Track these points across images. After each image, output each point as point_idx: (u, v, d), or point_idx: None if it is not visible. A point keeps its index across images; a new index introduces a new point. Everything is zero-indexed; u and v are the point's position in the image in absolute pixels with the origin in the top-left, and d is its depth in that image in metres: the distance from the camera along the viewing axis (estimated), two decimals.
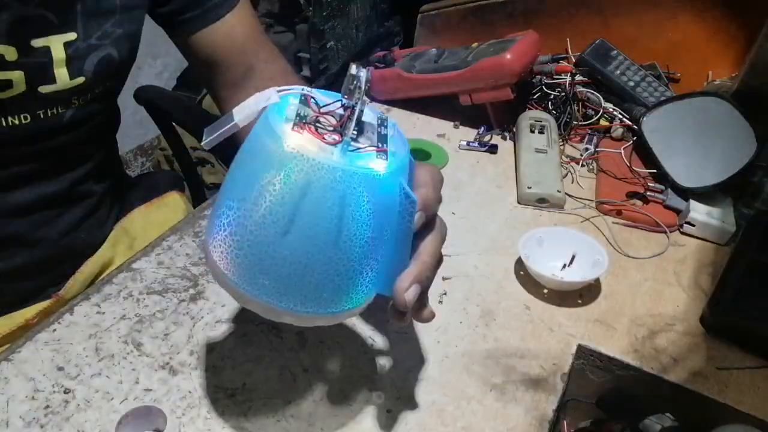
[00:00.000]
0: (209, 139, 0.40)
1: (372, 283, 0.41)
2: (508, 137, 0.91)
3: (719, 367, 0.57)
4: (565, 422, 0.57)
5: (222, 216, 0.38)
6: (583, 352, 0.59)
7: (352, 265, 0.38)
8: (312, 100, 0.41)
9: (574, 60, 0.95)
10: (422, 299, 0.42)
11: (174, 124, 1.10)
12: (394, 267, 0.40)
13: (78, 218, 0.70)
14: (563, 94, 0.91)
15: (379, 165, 0.38)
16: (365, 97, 0.40)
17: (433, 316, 0.43)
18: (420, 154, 0.70)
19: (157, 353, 0.54)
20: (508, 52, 0.84)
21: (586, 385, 0.59)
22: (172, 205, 0.83)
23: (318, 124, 0.39)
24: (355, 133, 0.40)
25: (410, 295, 0.40)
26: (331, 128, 0.39)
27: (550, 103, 0.92)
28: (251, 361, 0.54)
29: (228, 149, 0.45)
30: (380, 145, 0.40)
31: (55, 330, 0.55)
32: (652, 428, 0.54)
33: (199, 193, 1.15)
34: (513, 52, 0.85)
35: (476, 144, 0.88)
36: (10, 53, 0.54)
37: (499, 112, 0.92)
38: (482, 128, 0.92)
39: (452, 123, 0.93)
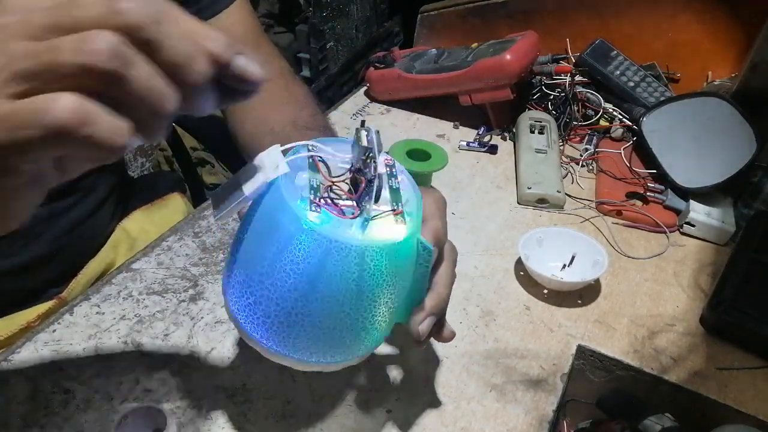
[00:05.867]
0: (221, 215, 0.38)
1: (392, 320, 0.42)
2: (507, 137, 0.91)
3: (719, 367, 0.57)
4: (565, 422, 0.57)
5: (244, 284, 0.39)
6: (583, 352, 0.59)
7: (374, 317, 0.40)
8: (319, 159, 0.40)
9: (573, 60, 0.95)
10: (439, 323, 0.43)
11: (174, 124, 1.10)
12: (412, 301, 0.42)
13: (81, 215, 0.70)
14: (563, 94, 0.91)
15: (397, 230, 0.38)
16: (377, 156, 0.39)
17: (453, 335, 0.45)
18: (420, 154, 0.70)
19: (157, 353, 0.54)
20: (508, 52, 0.84)
21: (586, 386, 0.59)
22: (173, 206, 0.83)
23: (332, 193, 0.39)
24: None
25: (424, 327, 0.41)
26: (346, 197, 0.39)
27: (549, 103, 0.92)
28: (251, 362, 0.54)
29: (228, 148, 0.44)
30: (396, 206, 0.40)
31: (54, 330, 0.55)
32: (652, 428, 0.54)
33: (200, 194, 1.15)
34: (513, 52, 0.85)
35: (476, 144, 0.88)
36: None
37: (499, 112, 0.92)
38: (482, 128, 0.92)
39: (452, 123, 0.93)
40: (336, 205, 0.38)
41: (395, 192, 0.41)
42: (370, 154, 0.37)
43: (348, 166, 0.41)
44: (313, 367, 0.41)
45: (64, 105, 0.26)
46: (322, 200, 0.37)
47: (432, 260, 0.40)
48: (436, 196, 0.44)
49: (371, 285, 0.38)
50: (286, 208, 0.36)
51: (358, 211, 0.38)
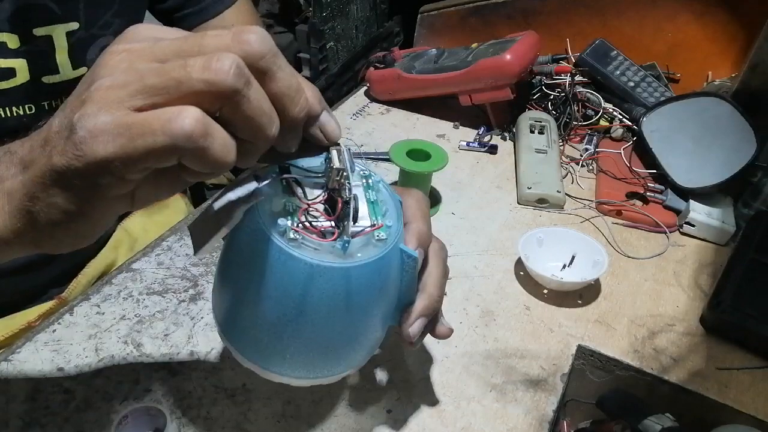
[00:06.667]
0: (201, 251, 0.35)
1: (385, 326, 0.42)
2: (507, 137, 0.91)
3: (719, 367, 0.57)
4: (565, 422, 0.57)
5: (232, 310, 0.39)
6: (583, 352, 0.59)
7: (366, 329, 0.40)
8: (293, 181, 0.39)
9: (573, 60, 0.95)
10: (433, 322, 0.43)
11: None
12: (402, 304, 0.42)
13: None
14: (563, 94, 0.91)
15: (379, 245, 0.38)
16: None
17: (451, 332, 0.45)
18: (420, 154, 0.70)
19: (157, 353, 0.54)
20: (508, 52, 0.84)
21: (586, 386, 0.59)
22: (174, 206, 0.84)
23: (309, 216, 0.38)
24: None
25: (415, 329, 0.41)
26: (323, 219, 0.38)
27: (549, 103, 0.92)
28: None
29: None
30: (375, 220, 0.39)
31: (54, 330, 0.55)
32: (652, 428, 0.54)
33: (200, 194, 1.15)
34: (512, 52, 0.85)
35: (476, 144, 0.88)
36: (12, 41, 0.55)
37: (499, 112, 0.92)
38: (482, 128, 0.92)
39: (452, 123, 0.93)
40: (314, 227, 0.37)
41: (374, 205, 0.40)
42: (344, 174, 0.37)
43: (323, 183, 0.39)
44: (311, 382, 0.41)
45: (189, 115, 0.28)
46: (299, 225, 0.37)
47: (417, 266, 0.40)
48: (416, 196, 0.44)
49: (359, 302, 0.37)
50: (264, 236, 0.36)
51: (338, 232, 0.37)
